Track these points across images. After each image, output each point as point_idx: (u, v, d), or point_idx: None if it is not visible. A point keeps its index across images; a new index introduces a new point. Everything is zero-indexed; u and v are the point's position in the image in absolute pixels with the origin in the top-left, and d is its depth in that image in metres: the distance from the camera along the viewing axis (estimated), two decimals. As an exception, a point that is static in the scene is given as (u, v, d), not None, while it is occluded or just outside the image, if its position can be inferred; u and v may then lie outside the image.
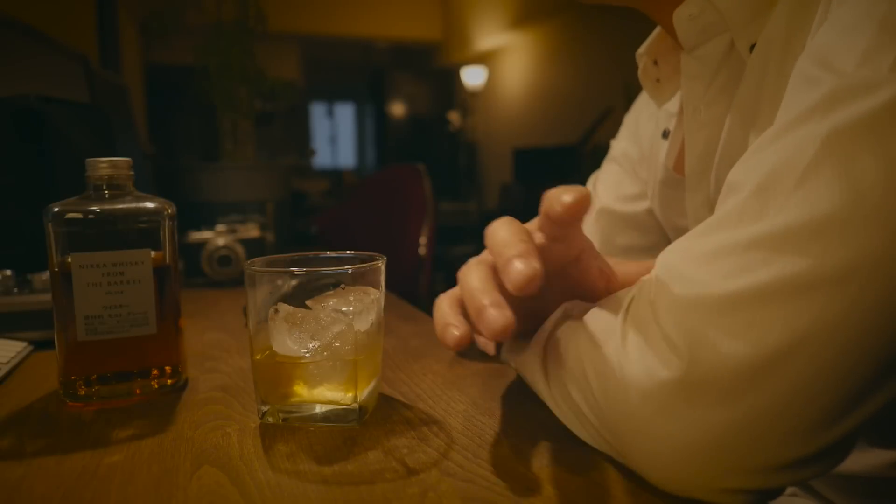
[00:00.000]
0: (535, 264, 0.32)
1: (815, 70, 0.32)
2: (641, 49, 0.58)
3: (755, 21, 0.44)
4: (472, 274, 0.37)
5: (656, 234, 0.69)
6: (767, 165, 0.31)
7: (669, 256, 0.34)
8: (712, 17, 0.45)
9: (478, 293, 0.35)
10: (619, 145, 0.73)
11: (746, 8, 0.44)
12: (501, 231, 0.36)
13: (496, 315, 0.33)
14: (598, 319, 0.37)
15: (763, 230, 0.30)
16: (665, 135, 0.61)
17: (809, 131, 0.30)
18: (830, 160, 0.29)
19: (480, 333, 0.36)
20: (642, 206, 0.69)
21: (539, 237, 0.39)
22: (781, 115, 0.34)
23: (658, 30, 0.58)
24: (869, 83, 0.29)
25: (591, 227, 0.71)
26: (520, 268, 0.32)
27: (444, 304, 0.41)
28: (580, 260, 0.42)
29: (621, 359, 0.33)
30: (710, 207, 0.52)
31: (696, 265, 0.32)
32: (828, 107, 0.30)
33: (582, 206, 0.35)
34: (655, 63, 0.57)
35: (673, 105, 0.60)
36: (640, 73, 0.58)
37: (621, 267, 0.44)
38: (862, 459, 0.46)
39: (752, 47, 0.44)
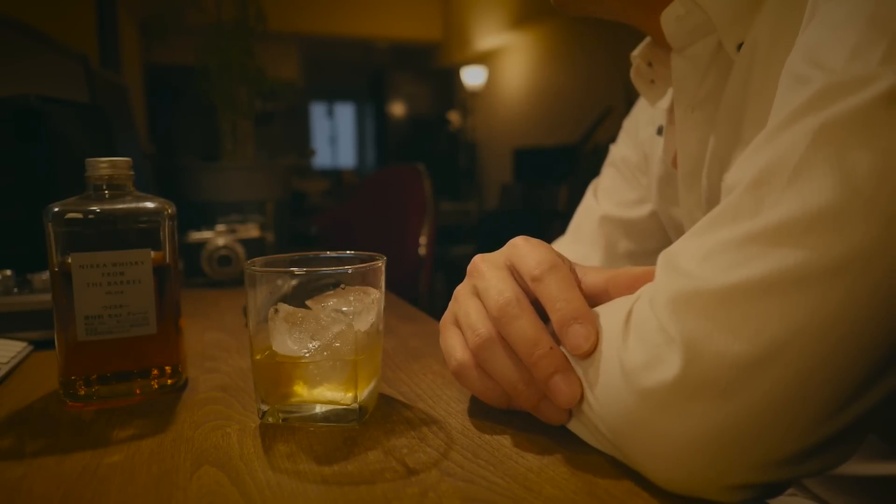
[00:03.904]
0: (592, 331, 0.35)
1: (806, 68, 0.32)
2: (636, 51, 0.58)
3: (742, 21, 0.44)
4: (522, 319, 0.37)
5: (658, 238, 0.69)
6: (761, 163, 0.31)
7: (668, 256, 0.35)
8: (699, 18, 0.45)
9: (538, 353, 0.36)
10: (619, 150, 0.73)
11: (732, 8, 0.44)
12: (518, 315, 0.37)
13: (567, 386, 0.36)
14: (602, 318, 0.37)
15: (758, 225, 0.30)
16: (660, 131, 0.62)
17: (801, 127, 0.30)
18: (823, 154, 0.29)
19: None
20: (643, 210, 0.69)
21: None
22: (773, 115, 0.34)
23: None
24: (859, 78, 0.29)
25: (594, 235, 0.71)
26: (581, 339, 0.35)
27: (454, 338, 0.40)
28: None
29: (622, 357, 0.33)
30: (703, 208, 0.52)
31: (693, 261, 0.32)
32: (819, 103, 0.30)
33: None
34: (650, 65, 0.58)
35: (665, 102, 0.61)
36: (632, 73, 0.58)
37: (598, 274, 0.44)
38: (858, 459, 0.46)
39: (739, 47, 0.45)
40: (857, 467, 0.46)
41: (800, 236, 0.29)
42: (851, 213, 0.28)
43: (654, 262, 0.71)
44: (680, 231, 0.61)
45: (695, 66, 0.49)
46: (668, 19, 0.47)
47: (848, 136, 0.29)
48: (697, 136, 0.50)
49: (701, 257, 0.32)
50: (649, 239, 0.70)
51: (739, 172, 0.33)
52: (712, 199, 0.49)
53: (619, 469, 0.35)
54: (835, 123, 0.29)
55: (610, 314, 0.37)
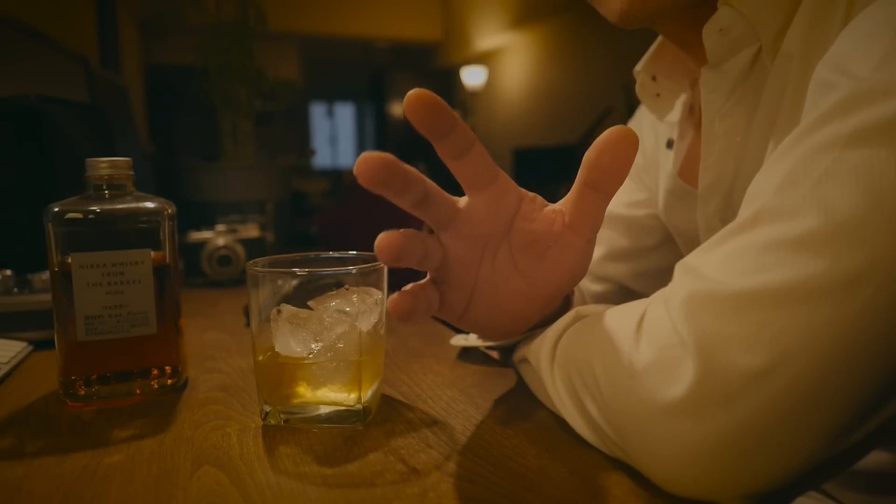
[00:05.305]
0: (391, 233, 0.36)
1: (832, 76, 0.32)
2: (639, 66, 0.58)
3: (783, 32, 0.43)
4: None
5: (655, 236, 0.69)
6: (785, 170, 0.31)
7: (687, 260, 0.34)
8: (742, 30, 0.44)
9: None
10: None
11: (776, 19, 0.43)
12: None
13: (382, 235, 0.36)
14: (613, 318, 0.37)
15: (779, 232, 0.30)
16: (669, 144, 0.61)
17: (826, 135, 0.30)
18: (847, 163, 0.29)
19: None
20: (648, 210, 0.69)
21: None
22: (800, 122, 0.34)
23: (655, 46, 0.58)
24: (886, 87, 0.29)
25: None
26: (382, 236, 0.36)
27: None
28: (520, 211, 0.42)
29: (632, 357, 0.33)
30: (723, 218, 0.51)
31: (711, 265, 0.32)
32: (845, 111, 0.30)
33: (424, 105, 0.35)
34: (654, 79, 0.57)
35: (674, 115, 0.60)
36: (637, 88, 0.58)
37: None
38: (874, 455, 0.46)
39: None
40: (865, 463, 0.46)
41: (820, 246, 0.28)
42: (873, 224, 0.27)
43: (649, 259, 0.71)
44: (690, 241, 0.60)
45: (725, 79, 0.48)
46: (711, 32, 0.45)
47: (873, 147, 0.28)
48: (719, 146, 0.50)
49: (719, 261, 0.32)
50: (647, 236, 0.70)
51: (763, 179, 0.33)
52: (734, 210, 0.49)
53: (620, 469, 0.35)
54: (860, 132, 0.29)
55: (624, 315, 0.37)
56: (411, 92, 0.35)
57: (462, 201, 0.41)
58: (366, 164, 0.34)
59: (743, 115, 0.48)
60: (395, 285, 0.71)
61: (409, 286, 0.40)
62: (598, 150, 0.38)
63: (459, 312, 0.43)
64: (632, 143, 0.38)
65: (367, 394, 0.42)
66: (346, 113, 8.17)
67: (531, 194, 0.42)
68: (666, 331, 0.32)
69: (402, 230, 0.37)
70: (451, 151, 0.38)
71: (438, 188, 0.39)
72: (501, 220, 0.41)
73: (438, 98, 0.35)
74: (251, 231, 1.06)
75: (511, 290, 0.43)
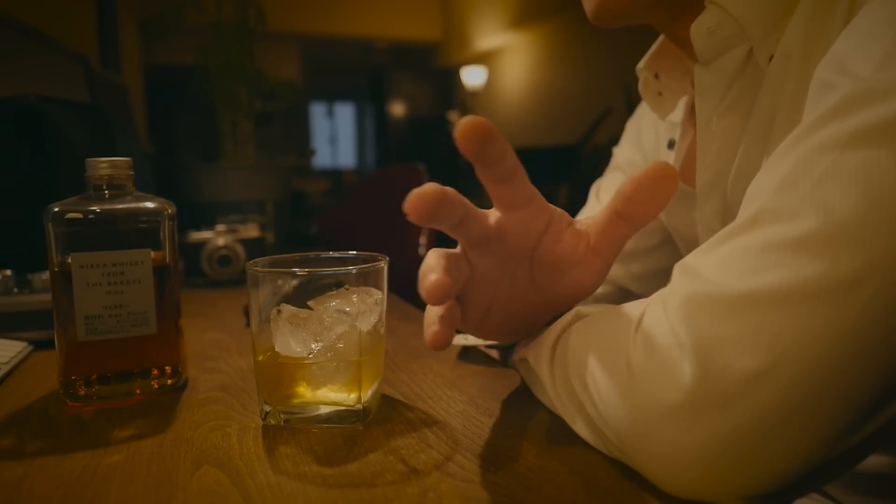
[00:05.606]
0: (440, 276, 0.35)
1: (833, 75, 0.32)
2: (641, 64, 0.58)
3: (775, 32, 0.43)
4: (430, 255, 0.39)
5: (659, 234, 0.69)
6: (785, 170, 0.31)
7: (686, 261, 0.34)
8: (731, 30, 0.44)
9: (426, 265, 0.37)
10: (623, 153, 0.73)
11: (766, 19, 0.43)
12: (429, 256, 0.38)
13: (432, 278, 0.35)
14: (612, 319, 0.37)
15: (778, 233, 0.30)
16: (671, 145, 0.61)
17: (826, 135, 0.30)
18: (847, 164, 0.28)
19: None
20: None
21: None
22: (801, 121, 0.34)
23: (657, 44, 0.58)
24: (886, 88, 0.29)
25: None
26: (432, 278, 0.34)
27: (431, 257, 0.41)
28: (549, 230, 0.42)
29: (630, 359, 0.33)
30: (722, 218, 0.51)
31: (710, 267, 0.32)
32: (845, 111, 0.30)
33: (477, 133, 0.34)
34: (656, 76, 0.57)
35: (676, 115, 0.60)
36: (640, 86, 0.58)
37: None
38: (875, 457, 0.46)
39: (771, 58, 0.44)
40: (866, 465, 0.46)
41: (819, 247, 0.28)
42: (873, 226, 0.27)
43: (649, 261, 0.71)
44: (690, 242, 0.60)
45: (719, 78, 0.48)
46: (699, 31, 0.45)
47: (873, 148, 0.28)
48: (716, 147, 0.50)
49: (717, 262, 0.32)
50: (647, 237, 0.70)
51: (763, 180, 0.33)
52: (732, 211, 0.49)
53: (619, 469, 0.35)
54: (860, 132, 0.29)
55: (622, 315, 0.36)
56: (465, 120, 0.34)
57: (493, 216, 0.40)
58: (420, 201, 0.33)
59: (740, 114, 0.48)
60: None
61: (441, 312, 0.39)
62: (635, 183, 0.38)
63: (476, 323, 0.44)
64: (671, 181, 0.38)
65: (367, 394, 0.42)
66: (346, 113, 8.17)
67: (559, 212, 0.43)
68: (664, 332, 0.32)
69: (443, 267, 0.37)
70: (495, 177, 0.38)
71: (474, 208, 0.39)
72: (530, 239, 0.41)
73: (492, 127, 0.35)
74: (251, 231, 1.06)
75: (526, 302, 0.44)
